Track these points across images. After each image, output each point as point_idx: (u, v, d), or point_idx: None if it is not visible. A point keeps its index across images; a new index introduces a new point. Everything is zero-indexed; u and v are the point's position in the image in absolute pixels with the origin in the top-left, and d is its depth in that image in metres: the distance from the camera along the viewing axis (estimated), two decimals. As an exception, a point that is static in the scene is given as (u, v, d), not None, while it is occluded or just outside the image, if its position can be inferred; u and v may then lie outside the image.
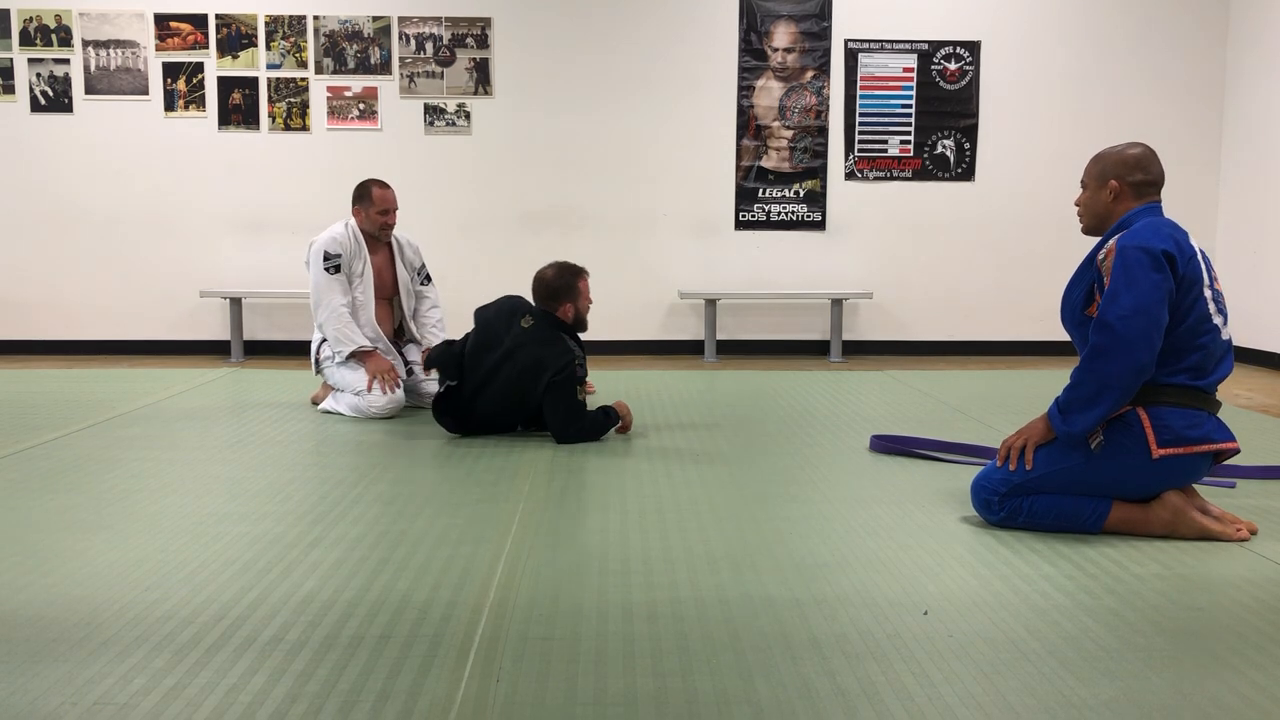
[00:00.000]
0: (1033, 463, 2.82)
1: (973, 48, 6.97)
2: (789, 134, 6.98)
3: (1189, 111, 7.04)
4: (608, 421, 4.04)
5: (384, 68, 6.83)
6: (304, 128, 6.85)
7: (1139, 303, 2.67)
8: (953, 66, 6.97)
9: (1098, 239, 2.93)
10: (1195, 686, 1.90)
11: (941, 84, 6.99)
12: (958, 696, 1.85)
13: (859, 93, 6.98)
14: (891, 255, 7.09)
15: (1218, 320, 2.78)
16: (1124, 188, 2.86)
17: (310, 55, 6.80)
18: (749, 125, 6.97)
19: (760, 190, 7.01)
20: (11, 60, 6.74)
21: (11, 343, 6.91)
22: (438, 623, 2.18)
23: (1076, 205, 2.98)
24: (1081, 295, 2.86)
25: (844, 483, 3.43)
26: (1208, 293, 2.78)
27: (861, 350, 7.11)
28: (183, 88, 6.79)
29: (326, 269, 4.54)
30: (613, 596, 2.34)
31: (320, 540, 2.76)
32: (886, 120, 7.00)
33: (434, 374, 4.65)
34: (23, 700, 1.82)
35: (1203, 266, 2.79)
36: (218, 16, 6.77)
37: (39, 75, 6.74)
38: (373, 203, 4.62)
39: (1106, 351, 2.69)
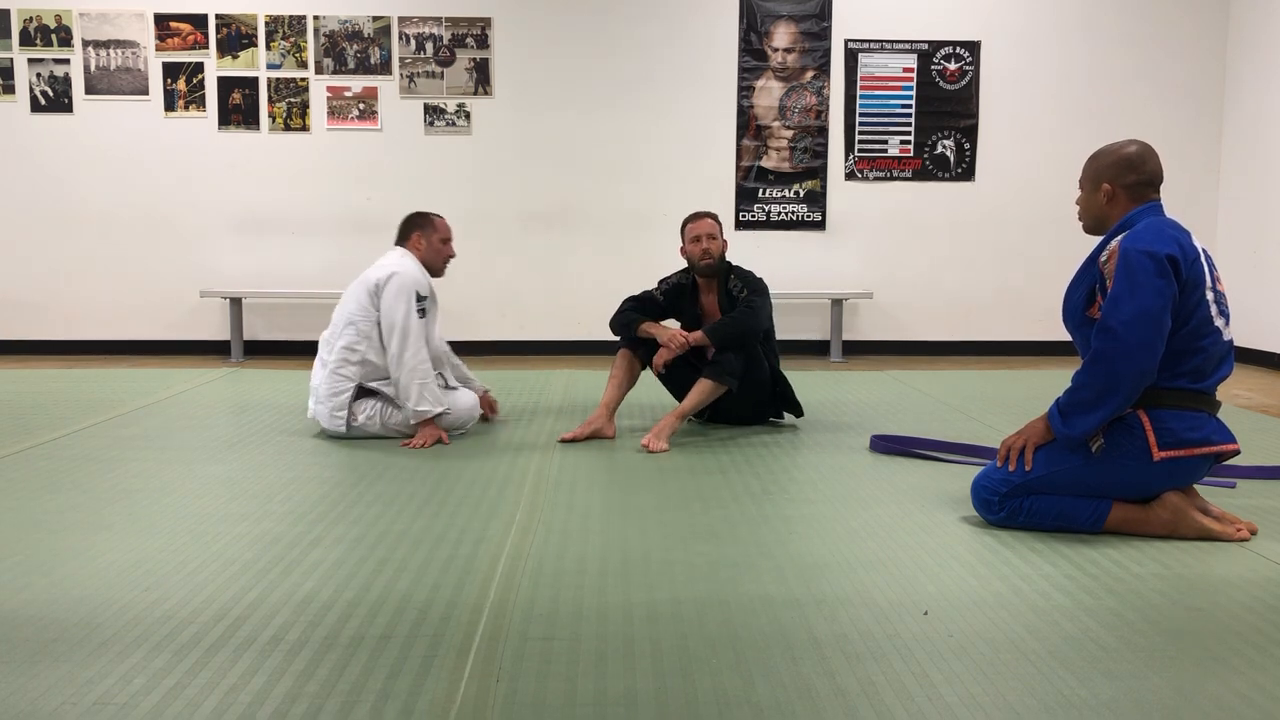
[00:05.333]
0: (1033, 464, 2.82)
1: (973, 48, 6.97)
2: (789, 134, 6.98)
3: (1189, 111, 7.05)
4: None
5: (384, 68, 6.83)
6: (304, 128, 6.85)
7: (1142, 308, 2.64)
8: (953, 66, 6.97)
9: (1099, 238, 2.91)
10: (1195, 686, 1.90)
11: (941, 84, 6.99)
12: (958, 696, 1.85)
13: (859, 93, 6.98)
14: (891, 255, 7.09)
15: (1219, 322, 2.76)
16: (1117, 190, 2.82)
17: (310, 55, 6.80)
18: (749, 125, 6.97)
19: (760, 190, 7.01)
20: (11, 60, 6.74)
21: (11, 343, 6.91)
22: (438, 623, 2.18)
23: (1077, 205, 2.95)
24: (1083, 296, 2.84)
25: (844, 483, 3.43)
26: (1210, 295, 2.75)
27: (861, 350, 7.11)
28: (183, 88, 6.79)
29: (420, 312, 4.00)
30: (613, 597, 2.34)
31: (320, 540, 2.76)
32: (886, 120, 7.01)
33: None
34: (23, 700, 1.82)
35: (1205, 268, 2.76)
36: (218, 16, 6.77)
37: (39, 75, 6.74)
38: (436, 229, 4.18)
39: (1109, 357, 2.67)
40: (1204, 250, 2.80)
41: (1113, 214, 2.85)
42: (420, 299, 4.02)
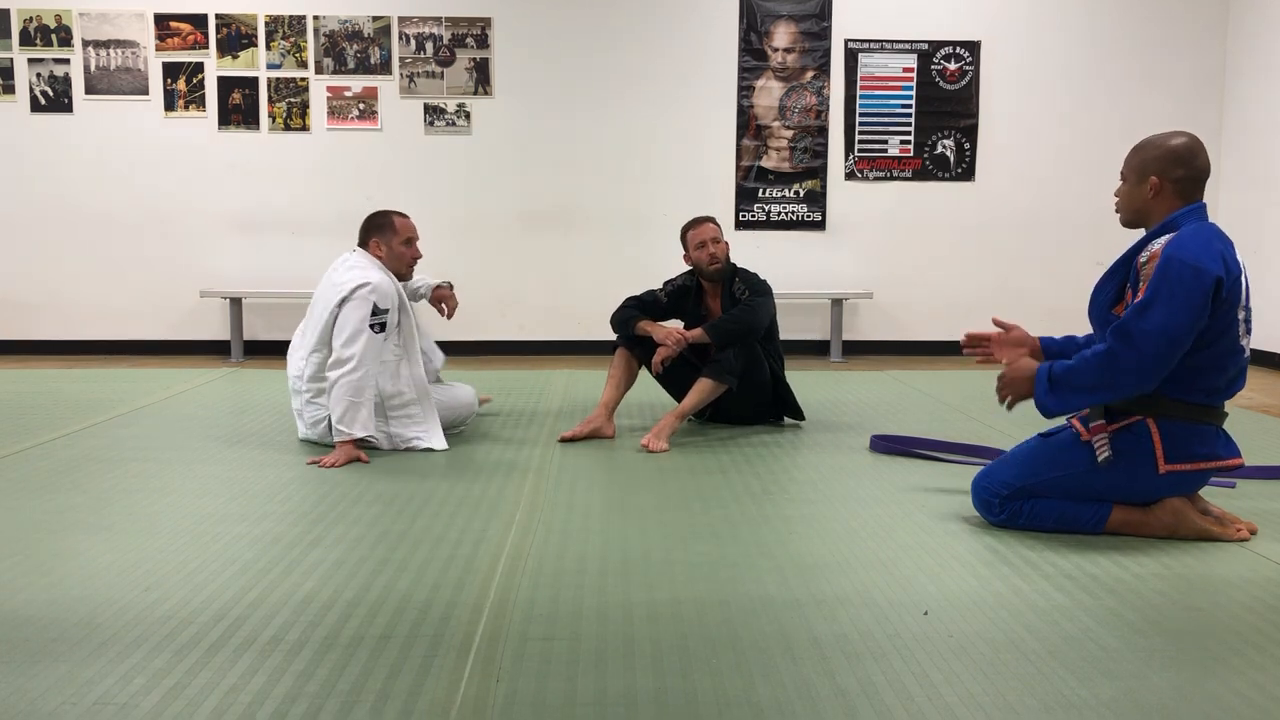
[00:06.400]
0: (1035, 468, 2.81)
1: (973, 48, 6.97)
2: (789, 134, 6.98)
3: (1188, 111, 7.03)
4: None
5: (384, 68, 6.83)
6: (304, 128, 6.85)
7: (1169, 324, 2.55)
8: (953, 66, 6.97)
9: (1134, 231, 2.81)
10: (1195, 686, 1.90)
11: (941, 84, 6.99)
12: (958, 696, 1.85)
13: (859, 93, 6.98)
14: (891, 255, 7.09)
15: (1244, 341, 2.70)
16: (1164, 184, 2.70)
17: (310, 55, 6.80)
18: (749, 125, 6.97)
19: (760, 190, 7.01)
20: (11, 60, 6.74)
21: (11, 343, 6.91)
22: (438, 623, 2.18)
23: (1115, 196, 2.83)
24: (1111, 293, 2.76)
25: (844, 483, 3.43)
26: (1240, 314, 2.66)
27: (861, 350, 7.11)
28: (183, 88, 6.79)
29: (372, 327, 3.71)
30: (613, 596, 2.34)
31: (320, 540, 2.76)
32: (886, 120, 7.00)
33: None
34: (23, 700, 1.82)
35: (1243, 286, 2.67)
36: (218, 16, 6.77)
37: (39, 75, 6.74)
38: (397, 232, 3.91)
39: (1119, 360, 2.60)
40: (1242, 263, 2.71)
41: (1156, 210, 2.73)
42: (380, 311, 3.72)
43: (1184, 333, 2.58)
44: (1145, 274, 2.65)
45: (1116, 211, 2.85)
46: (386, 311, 3.75)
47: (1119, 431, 2.72)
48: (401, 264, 3.95)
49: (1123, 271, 2.75)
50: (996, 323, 3.04)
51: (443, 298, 4.26)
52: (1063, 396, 2.70)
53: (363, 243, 3.98)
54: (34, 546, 2.69)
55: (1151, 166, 2.72)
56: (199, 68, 6.79)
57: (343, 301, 3.75)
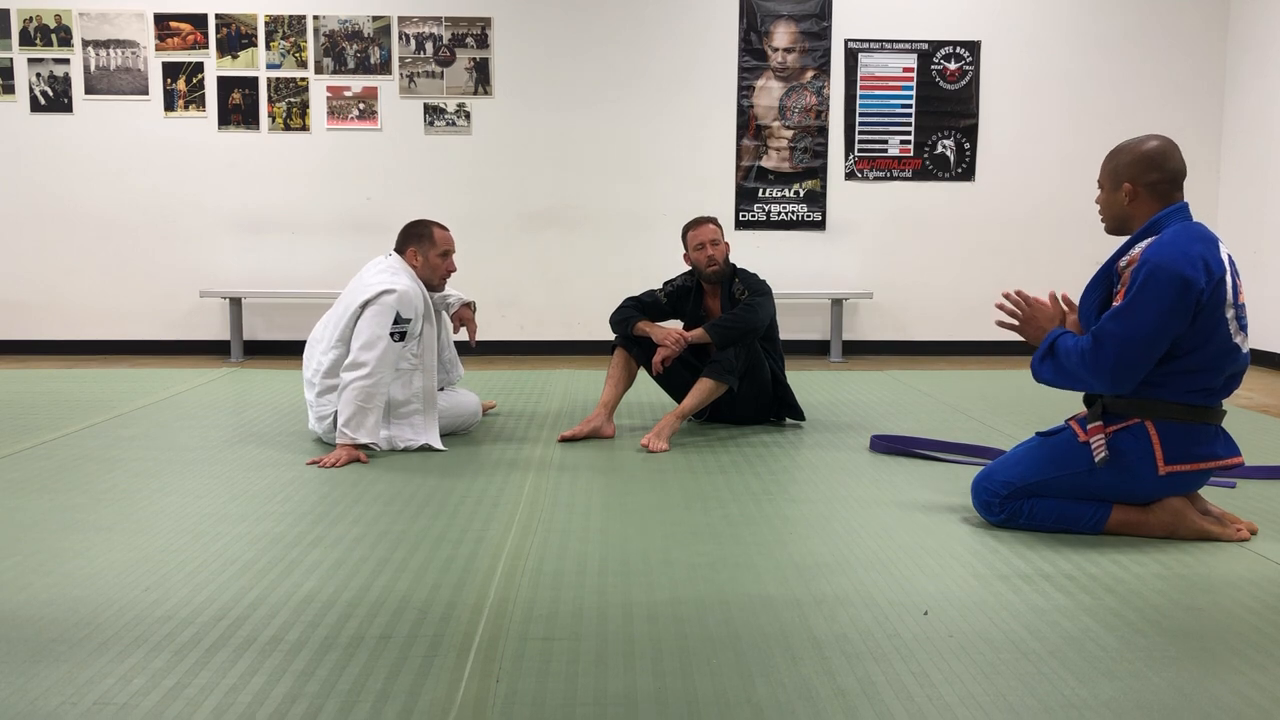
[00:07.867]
0: (1035, 468, 2.81)
1: (973, 48, 6.97)
2: (789, 134, 6.98)
3: (1189, 111, 7.05)
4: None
5: (384, 68, 6.83)
6: (304, 128, 6.85)
7: (1139, 332, 2.57)
8: (953, 66, 6.97)
9: (1121, 237, 2.81)
10: (1195, 686, 1.90)
11: (941, 84, 6.99)
12: (958, 696, 1.85)
13: (859, 93, 6.98)
14: (891, 255, 7.09)
15: (1238, 339, 2.69)
16: (1139, 189, 2.71)
17: (310, 55, 6.80)
18: (749, 125, 6.97)
19: (760, 190, 7.01)
20: (11, 60, 6.74)
21: (11, 343, 6.91)
22: (438, 623, 2.18)
23: (1097, 204, 2.84)
24: (1097, 301, 2.75)
25: (844, 483, 3.43)
26: (1230, 312, 2.65)
27: (861, 350, 7.11)
28: (183, 88, 6.79)
29: (393, 335, 3.72)
30: (613, 596, 2.34)
31: (320, 540, 2.76)
32: (886, 120, 7.01)
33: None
34: (23, 700, 1.82)
35: (1229, 285, 2.65)
36: (218, 16, 6.77)
37: (39, 75, 6.74)
38: (434, 243, 3.93)
39: (1091, 359, 2.64)
40: (1230, 260, 2.69)
41: (1137, 214, 2.74)
42: (401, 320, 3.72)
43: (1154, 341, 2.59)
44: (1126, 278, 2.66)
45: (1101, 220, 2.85)
46: (409, 321, 3.75)
47: (1118, 433, 2.72)
48: (435, 275, 3.96)
49: (1107, 279, 2.75)
50: (1050, 296, 2.99)
51: (465, 320, 4.28)
52: (1052, 369, 2.76)
53: (399, 248, 3.98)
54: (34, 546, 2.69)
55: (1124, 173, 2.74)
56: (199, 68, 6.79)
57: (366, 304, 3.75)
